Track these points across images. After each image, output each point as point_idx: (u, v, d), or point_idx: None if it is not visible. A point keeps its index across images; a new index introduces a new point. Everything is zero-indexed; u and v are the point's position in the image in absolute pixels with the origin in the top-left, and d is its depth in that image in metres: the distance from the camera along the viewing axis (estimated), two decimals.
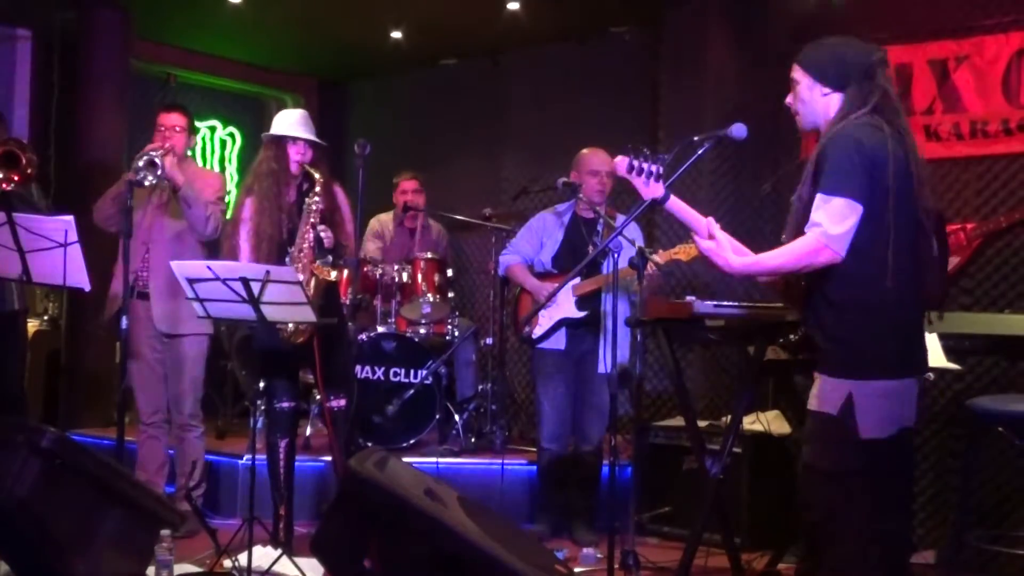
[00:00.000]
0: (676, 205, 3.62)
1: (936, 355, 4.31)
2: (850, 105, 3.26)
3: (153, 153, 5.13)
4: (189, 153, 5.70)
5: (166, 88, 8.31)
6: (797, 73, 3.39)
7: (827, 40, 3.39)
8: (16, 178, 5.33)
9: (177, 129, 5.50)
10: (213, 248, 5.40)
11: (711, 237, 3.38)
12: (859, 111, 3.23)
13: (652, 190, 3.61)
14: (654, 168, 3.59)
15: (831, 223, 3.10)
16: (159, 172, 5.12)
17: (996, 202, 5.46)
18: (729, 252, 3.34)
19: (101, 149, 7.08)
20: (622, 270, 4.74)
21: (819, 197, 3.14)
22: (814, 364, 3.33)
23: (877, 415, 3.15)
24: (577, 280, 5.45)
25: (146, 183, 5.11)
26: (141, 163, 5.08)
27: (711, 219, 3.43)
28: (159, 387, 5.54)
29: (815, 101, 3.35)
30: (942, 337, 4.41)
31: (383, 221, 7.12)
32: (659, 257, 4.99)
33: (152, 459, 5.52)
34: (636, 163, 3.59)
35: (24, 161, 5.37)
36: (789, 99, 3.46)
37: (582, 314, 5.49)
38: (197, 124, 7.20)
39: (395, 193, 7.07)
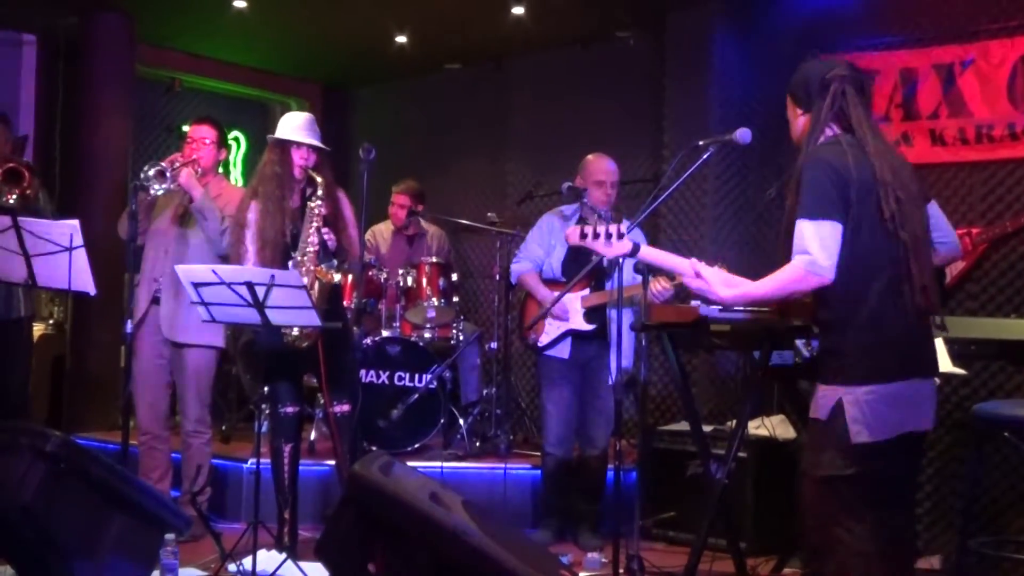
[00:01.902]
0: (651, 255, 3.62)
1: (942, 360, 4.30)
2: (813, 123, 3.33)
3: (164, 164, 5.12)
4: (221, 168, 5.66)
5: (170, 93, 8.34)
6: (788, 98, 3.48)
7: (804, 63, 3.46)
8: (17, 192, 5.34)
9: (206, 141, 5.48)
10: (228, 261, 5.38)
11: (698, 276, 3.40)
12: (821, 129, 3.30)
13: (617, 248, 3.59)
14: (612, 229, 3.57)
15: (815, 248, 3.13)
16: (167, 184, 5.11)
17: (1002, 207, 5.45)
18: (720, 285, 3.37)
19: (106, 154, 7.09)
20: (629, 286, 4.74)
21: (799, 223, 3.18)
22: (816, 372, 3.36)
23: (867, 420, 3.16)
24: (586, 292, 5.46)
25: (152, 191, 5.11)
26: (152, 172, 5.07)
27: (694, 259, 3.46)
28: (161, 394, 5.52)
29: (794, 121, 3.44)
30: (948, 342, 4.40)
31: (377, 231, 7.10)
32: (663, 283, 5.02)
33: (154, 467, 5.51)
34: (588, 231, 3.58)
35: (27, 182, 5.37)
36: None
37: (591, 327, 5.49)
38: None
39: (390, 205, 7.07)
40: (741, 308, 4.17)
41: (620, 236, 3.58)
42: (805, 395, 4.81)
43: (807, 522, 3.34)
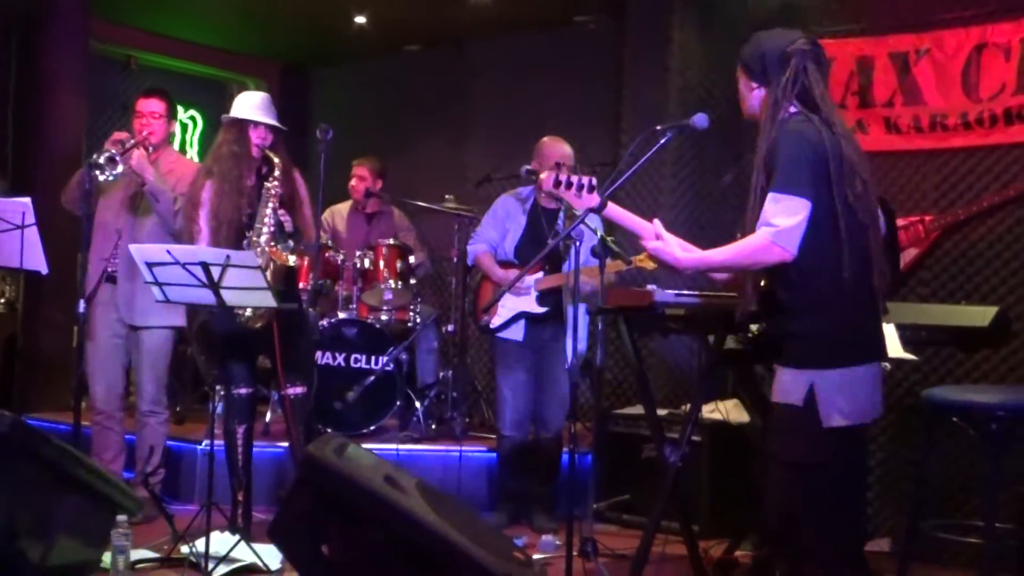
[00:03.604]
0: (615, 212, 3.64)
1: (893, 346, 4.34)
2: (773, 99, 3.31)
3: (112, 150, 5.06)
4: (174, 139, 5.62)
5: (127, 70, 8.24)
6: (738, 70, 3.47)
7: (758, 35, 3.45)
8: None
9: (156, 116, 5.41)
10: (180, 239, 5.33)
11: (658, 238, 3.41)
12: (783, 104, 3.29)
13: (585, 201, 3.66)
14: (584, 180, 3.63)
15: (782, 221, 3.14)
16: (117, 169, 5.05)
17: (954, 195, 5.51)
18: (677, 249, 3.39)
19: (60, 132, 7.01)
20: (585, 268, 4.74)
21: (770, 196, 3.17)
22: (773, 356, 3.36)
23: (839, 404, 3.18)
24: (540, 275, 5.47)
25: (101, 178, 5.04)
26: (102, 159, 5.00)
27: (656, 220, 3.47)
28: (115, 373, 5.48)
29: (749, 96, 3.43)
30: (899, 328, 4.44)
31: (336, 211, 7.06)
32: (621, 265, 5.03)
33: (107, 447, 5.47)
34: (563, 178, 3.64)
35: None
36: None
37: (543, 310, 5.50)
38: None
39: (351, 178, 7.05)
40: (696, 292, 4.19)
41: (591, 189, 3.62)
42: (759, 380, 4.85)
43: (769, 506, 3.36)
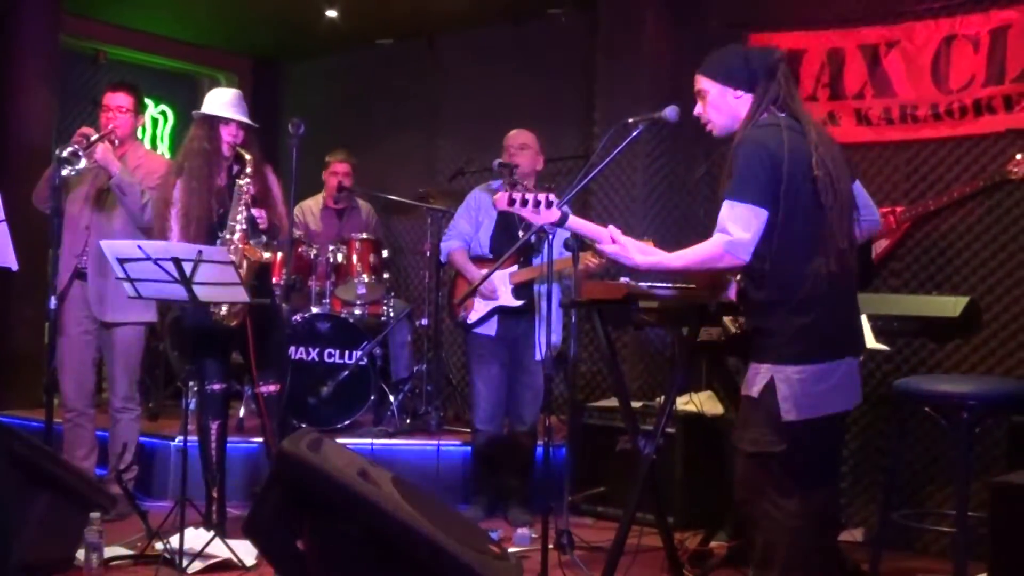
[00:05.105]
0: (576, 223, 3.70)
1: (867, 337, 4.37)
2: (758, 103, 3.36)
3: (76, 145, 5.02)
4: (139, 134, 5.60)
5: (96, 65, 8.18)
6: (704, 83, 3.48)
7: (726, 49, 3.50)
8: None
9: (123, 110, 5.37)
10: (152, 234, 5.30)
11: (614, 242, 3.45)
12: (765, 109, 3.34)
13: (545, 216, 3.68)
14: (541, 196, 3.65)
15: (736, 229, 3.19)
16: (81, 163, 5.01)
17: (925, 186, 5.54)
18: (635, 252, 3.44)
19: (29, 127, 6.93)
20: (558, 260, 4.75)
21: (726, 203, 3.24)
22: (745, 350, 3.42)
23: (797, 398, 3.23)
24: (514, 268, 5.47)
25: (65, 172, 5.00)
26: (65, 154, 4.96)
27: (611, 226, 3.52)
28: (86, 370, 5.45)
29: (728, 105, 3.43)
30: (872, 319, 4.47)
31: (305, 208, 7.01)
32: (592, 259, 5.05)
33: (79, 444, 5.43)
34: (517, 196, 3.65)
35: None
36: (698, 110, 3.52)
37: (519, 303, 5.50)
38: None
39: (325, 172, 7.01)
40: (670, 285, 4.20)
41: (549, 204, 3.62)
42: (733, 372, 4.87)
43: (738, 496, 3.41)
